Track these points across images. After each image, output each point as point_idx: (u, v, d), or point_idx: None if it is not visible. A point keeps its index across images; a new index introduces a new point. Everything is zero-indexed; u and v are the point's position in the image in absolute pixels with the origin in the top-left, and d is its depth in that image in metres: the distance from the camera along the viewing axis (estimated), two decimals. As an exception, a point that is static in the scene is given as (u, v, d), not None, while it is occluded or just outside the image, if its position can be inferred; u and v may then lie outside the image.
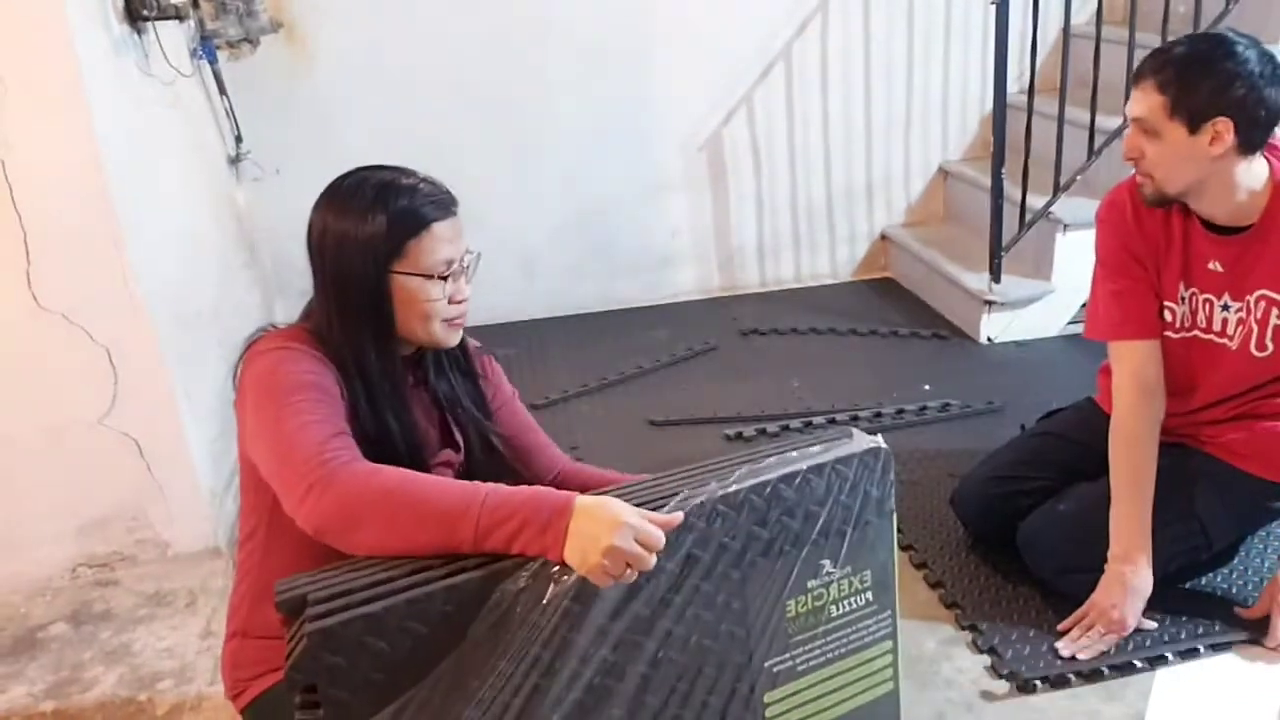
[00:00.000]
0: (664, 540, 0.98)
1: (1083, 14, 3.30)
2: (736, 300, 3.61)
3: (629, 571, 0.97)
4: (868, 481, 1.09)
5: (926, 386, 2.84)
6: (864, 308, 3.47)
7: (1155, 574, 1.77)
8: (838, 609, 1.06)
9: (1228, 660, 1.78)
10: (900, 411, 2.70)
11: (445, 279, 1.24)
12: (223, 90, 2.88)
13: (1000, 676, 1.77)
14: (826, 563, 1.05)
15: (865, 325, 3.30)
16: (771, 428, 2.67)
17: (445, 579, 0.93)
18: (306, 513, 1.02)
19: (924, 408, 2.71)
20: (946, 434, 2.59)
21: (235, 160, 3.01)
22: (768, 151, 3.53)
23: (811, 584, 1.03)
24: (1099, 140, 2.94)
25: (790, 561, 1.03)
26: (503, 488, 1.04)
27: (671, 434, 2.69)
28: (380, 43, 3.12)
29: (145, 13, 2.21)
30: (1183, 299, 1.84)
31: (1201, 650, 1.80)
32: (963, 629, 1.90)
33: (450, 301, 1.25)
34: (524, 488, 1.05)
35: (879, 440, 1.12)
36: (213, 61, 2.83)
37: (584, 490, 1.10)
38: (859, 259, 3.75)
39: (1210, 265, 1.79)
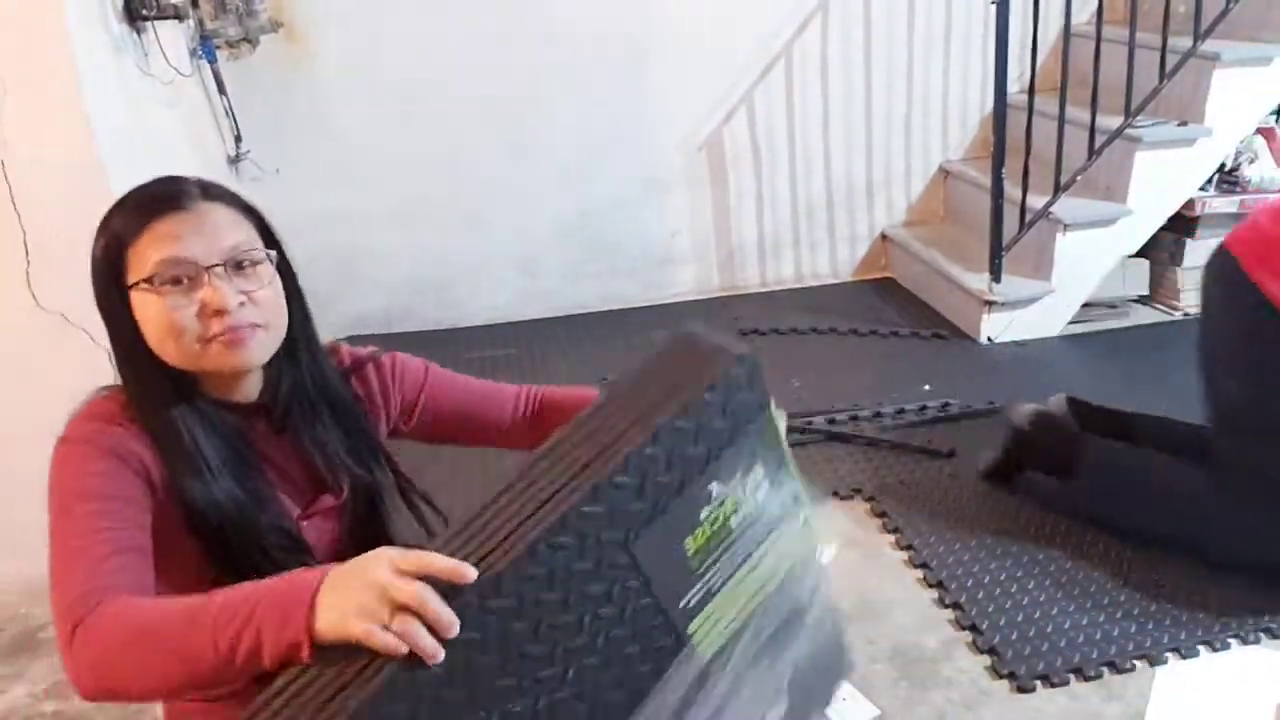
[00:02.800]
0: (460, 574, 0.78)
1: (1083, 14, 3.30)
2: (736, 300, 3.61)
3: (412, 627, 0.75)
4: (737, 398, 0.97)
5: (926, 386, 2.84)
6: (864, 308, 3.47)
7: None
8: (737, 518, 0.97)
9: (1226, 660, 1.78)
10: (900, 411, 2.70)
11: (178, 283, 0.98)
12: (222, 90, 2.88)
13: (1000, 676, 1.77)
14: (714, 486, 0.95)
15: (865, 325, 3.30)
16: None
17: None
18: (70, 679, 0.89)
19: (924, 407, 2.71)
20: (946, 434, 2.59)
21: (235, 160, 3.01)
22: (768, 151, 3.53)
23: (704, 513, 0.94)
24: (1099, 140, 2.93)
25: (677, 510, 0.92)
26: (237, 591, 0.85)
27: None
28: (380, 43, 3.12)
29: (145, 12, 2.21)
30: None
31: (1201, 650, 1.80)
32: (963, 629, 1.90)
33: (205, 314, 0.99)
34: (262, 582, 0.84)
35: (735, 346, 1.01)
36: (212, 61, 2.83)
37: (556, 412, 1.05)
38: (859, 259, 3.75)
39: None
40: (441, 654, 0.76)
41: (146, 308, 1.00)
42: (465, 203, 3.37)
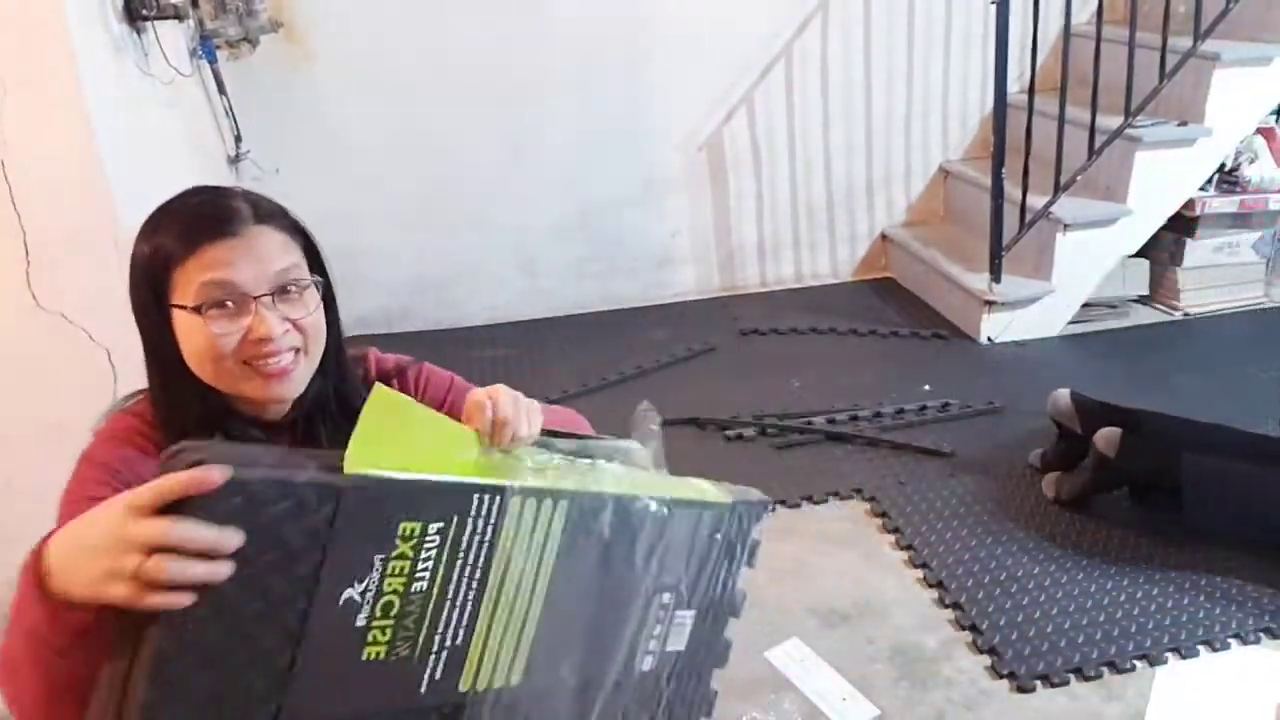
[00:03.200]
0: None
1: (1083, 13, 3.30)
2: (736, 300, 3.61)
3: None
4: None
5: (926, 386, 2.84)
6: (864, 308, 3.47)
7: None
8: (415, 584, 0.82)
9: (1226, 660, 1.78)
10: (900, 411, 2.70)
11: (222, 307, 0.96)
12: (222, 90, 2.88)
13: (1000, 676, 1.77)
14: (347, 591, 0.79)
15: (865, 325, 3.30)
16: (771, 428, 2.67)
17: None
18: None
19: (924, 407, 2.71)
20: (946, 434, 2.59)
21: (235, 160, 3.01)
22: (768, 151, 3.53)
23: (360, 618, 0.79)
24: (1099, 140, 2.93)
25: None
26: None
27: (672, 434, 2.67)
28: (380, 43, 3.12)
29: (145, 12, 2.21)
30: None
31: (1201, 650, 1.80)
32: (963, 629, 1.90)
33: (249, 340, 0.97)
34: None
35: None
36: (212, 61, 2.83)
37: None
38: (859, 259, 3.75)
39: None
40: (224, 570, 0.69)
41: (189, 330, 0.98)
42: (465, 203, 3.36)
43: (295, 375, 1.01)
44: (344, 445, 0.90)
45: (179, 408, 1.01)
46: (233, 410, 1.04)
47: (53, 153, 1.89)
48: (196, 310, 0.96)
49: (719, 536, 1.10)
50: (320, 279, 1.04)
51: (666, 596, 1.04)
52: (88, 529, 0.72)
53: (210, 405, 1.02)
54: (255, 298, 0.97)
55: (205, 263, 0.96)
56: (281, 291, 0.99)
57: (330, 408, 1.10)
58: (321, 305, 1.04)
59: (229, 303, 0.96)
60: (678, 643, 1.09)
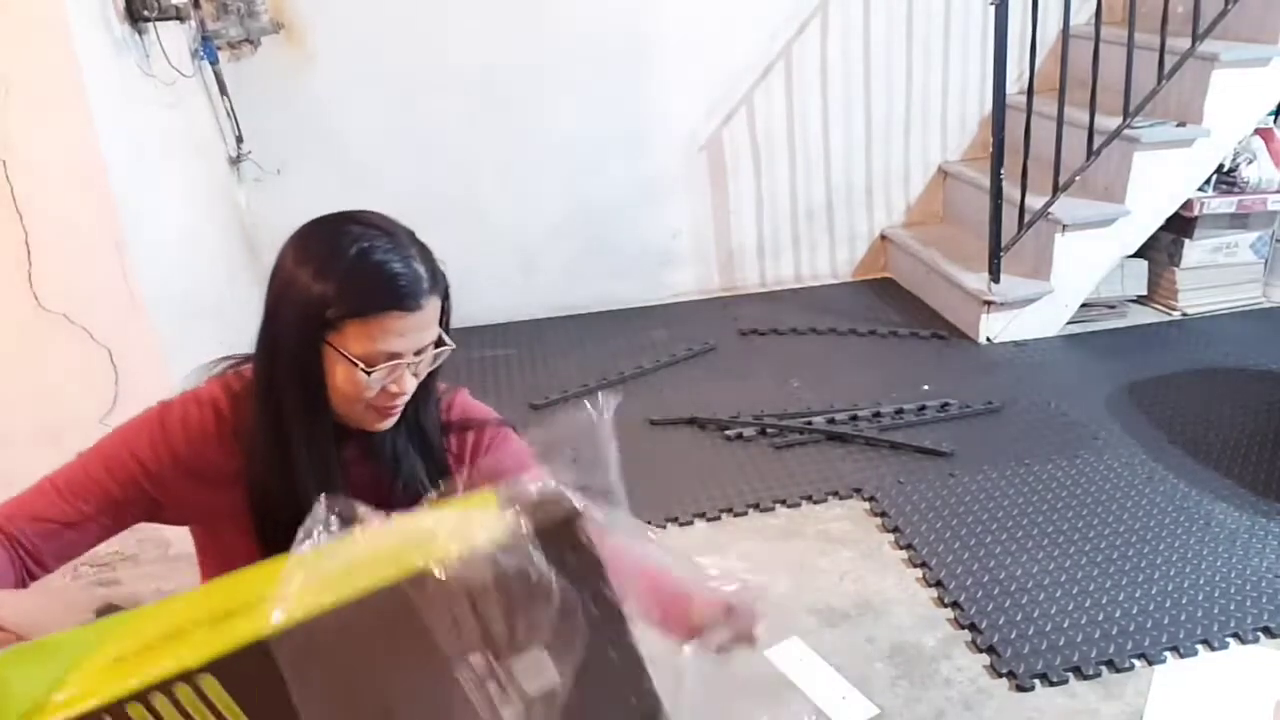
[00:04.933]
0: None
1: (1082, 14, 3.30)
2: (736, 300, 3.61)
3: None
4: None
5: (926, 386, 2.85)
6: (864, 308, 3.47)
7: None
8: None
9: (1224, 659, 1.79)
10: (900, 411, 2.71)
11: (381, 371, 1.04)
12: (224, 90, 2.88)
13: (999, 675, 1.78)
14: None
15: (865, 325, 3.30)
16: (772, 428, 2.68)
17: None
18: None
19: (923, 407, 2.72)
20: (946, 434, 2.59)
21: (236, 160, 3.02)
22: (768, 152, 3.53)
23: None
24: (1098, 140, 2.94)
25: None
26: None
27: (672, 434, 2.69)
28: (380, 43, 3.12)
29: (146, 13, 2.21)
30: None
31: (1199, 649, 1.81)
32: (962, 628, 1.90)
33: (384, 391, 1.06)
34: None
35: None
36: (214, 62, 2.84)
37: None
38: (859, 259, 3.76)
39: None
40: None
41: (344, 375, 1.04)
42: (465, 203, 3.37)
43: (399, 413, 1.10)
44: (409, 462, 1.13)
45: (290, 406, 1.07)
46: (310, 413, 1.09)
47: (54, 154, 1.90)
48: (366, 370, 1.02)
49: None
50: (452, 346, 1.10)
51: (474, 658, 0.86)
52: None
53: (314, 409, 1.08)
54: (407, 364, 1.05)
55: (383, 329, 1.02)
56: (421, 354, 1.07)
57: (404, 437, 1.16)
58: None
59: (388, 369, 1.04)
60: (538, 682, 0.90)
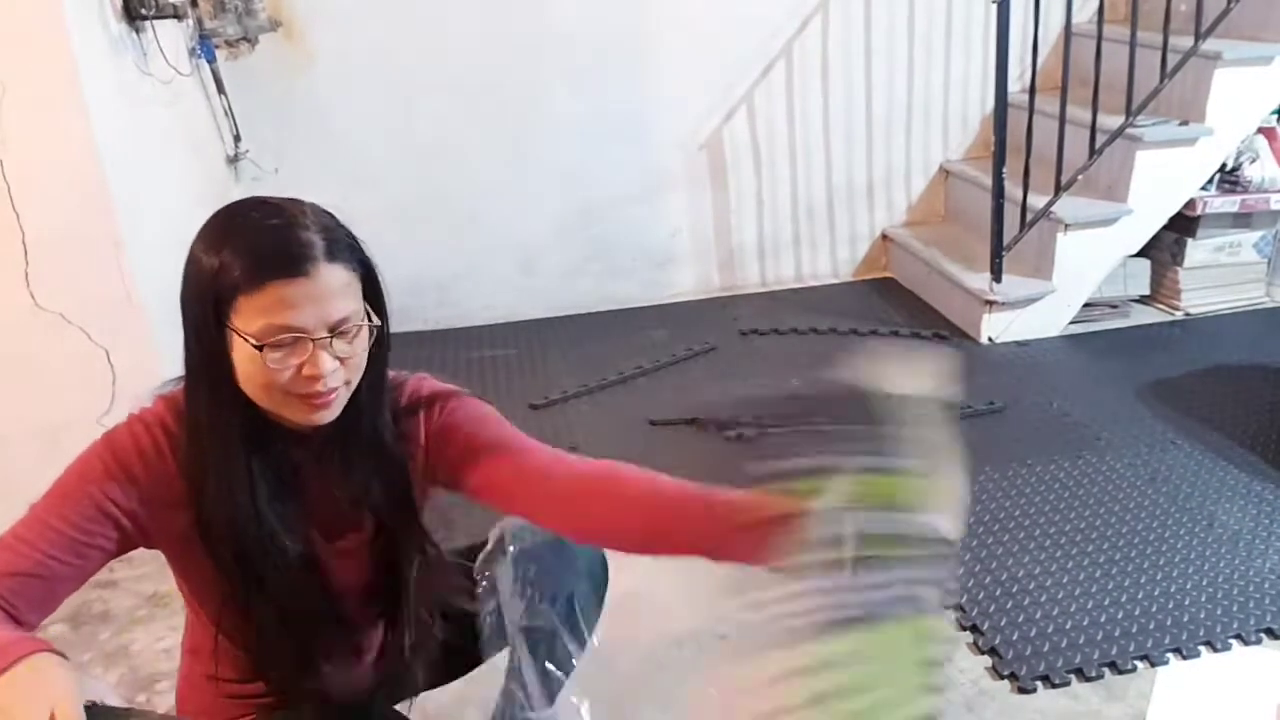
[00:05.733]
0: None
1: (1084, 13, 3.29)
2: (736, 300, 3.60)
3: None
4: None
5: (927, 386, 2.83)
6: (864, 307, 3.46)
7: None
8: None
9: (1228, 660, 1.78)
10: (901, 411, 2.69)
11: (279, 347, 0.98)
12: (221, 89, 2.88)
13: (1001, 677, 1.77)
14: None
15: (865, 325, 3.29)
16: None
17: None
18: None
19: (924, 408, 2.70)
20: (947, 434, 2.58)
21: (234, 159, 3.01)
22: (768, 151, 3.52)
23: None
24: (1100, 139, 2.93)
25: None
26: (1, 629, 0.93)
27: (671, 434, 2.68)
28: (380, 42, 3.12)
29: (144, 12, 2.21)
30: None
31: (1202, 651, 1.80)
32: (963, 630, 1.89)
33: (299, 375, 0.99)
34: (7, 633, 0.92)
35: None
36: (211, 60, 2.83)
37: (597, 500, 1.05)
38: (859, 259, 3.75)
39: None
40: None
41: (245, 358, 0.99)
42: (465, 203, 3.36)
43: (335, 403, 1.04)
44: (363, 464, 1.09)
45: (216, 413, 1.03)
46: (270, 422, 1.05)
47: (51, 152, 1.89)
48: (256, 343, 0.97)
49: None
50: (380, 322, 1.05)
51: None
52: (24, 693, 0.85)
53: (252, 418, 1.04)
54: (315, 340, 0.98)
55: (271, 300, 0.96)
56: (339, 333, 1.00)
57: (356, 432, 1.10)
58: (370, 341, 1.05)
59: (288, 342, 0.98)
60: None
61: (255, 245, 0.98)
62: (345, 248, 1.02)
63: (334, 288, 0.99)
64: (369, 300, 1.05)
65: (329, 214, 1.05)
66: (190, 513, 1.06)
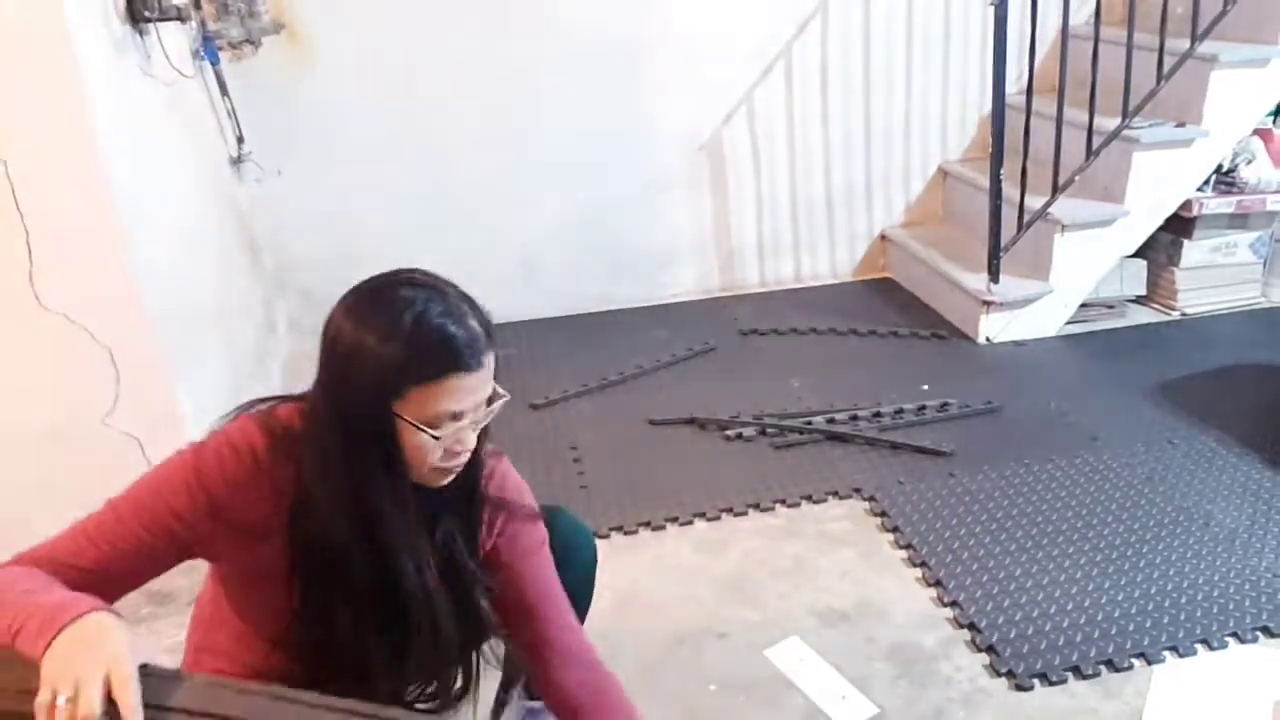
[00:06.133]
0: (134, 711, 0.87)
1: (1081, 15, 3.31)
2: (736, 300, 3.62)
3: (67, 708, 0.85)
4: None
5: (925, 386, 2.85)
6: (863, 308, 3.48)
7: None
8: None
9: (1224, 658, 1.79)
10: (899, 411, 2.71)
11: (442, 430, 1.05)
12: (224, 91, 2.88)
13: (998, 675, 1.78)
14: None
15: (865, 325, 3.30)
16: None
17: None
18: None
19: (923, 407, 2.72)
20: (946, 434, 2.59)
21: (237, 161, 3.02)
22: (768, 151, 3.53)
23: None
24: (1097, 141, 2.94)
25: None
26: (34, 593, 0.96)
27: (671, 434, 2.69)
28: (381, 43, 3.12)
29: (147, 14, 2.21)
30: None
31: (1198, 649, 1.81)
32: (961, 627, 1.90)
33: (446, 450, 1.07)
34: (53, 593, 0.96)
35: None
36: (214, 62, 2.84)
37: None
38: (858, 259, 3.76)
39: None
40: None
41: (409, 440, 1.04)
42: (465, 202, 3.37)
43: (458, 470, 1.12)
44: (443, 521, 1.15)
45: (401, 496, 1.08)
46: (391, 476, 1.09)
47: (55, 154, 1.90)
48: (434, 435, 1.04)
49: None
50: (507, 397, 1.11)
51: None
52: (89, 644, 0.89)
53: (406, 484, 1.09)
54: (476, 420, 1.07)
55: (448, 390, 1.03)
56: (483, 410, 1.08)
57: (450, 488, 1.15)
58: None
59: (453, 427, 1.05)
60: None
61: (433, 341, 1.02)
62: (493, 330, 1.08)
63: (490, 372, 1.07)
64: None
65: (468, 295, 1.10)
66: (267, 548, 1.09)
